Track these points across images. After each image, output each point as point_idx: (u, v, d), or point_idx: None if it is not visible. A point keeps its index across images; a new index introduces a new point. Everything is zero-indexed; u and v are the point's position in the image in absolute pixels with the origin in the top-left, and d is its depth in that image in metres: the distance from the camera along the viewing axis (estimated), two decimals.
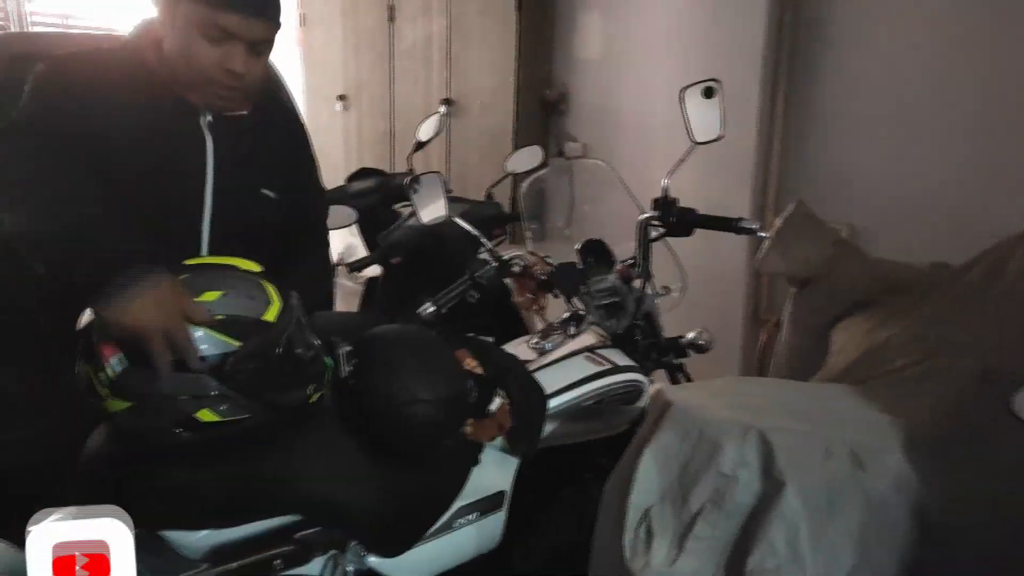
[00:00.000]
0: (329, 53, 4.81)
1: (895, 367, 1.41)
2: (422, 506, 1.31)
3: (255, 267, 1.10)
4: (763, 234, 1.72)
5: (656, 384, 1.63)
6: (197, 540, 1.11)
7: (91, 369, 1.01)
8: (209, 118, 1.21)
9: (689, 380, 1.79)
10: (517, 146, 3.05)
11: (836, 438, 1.18)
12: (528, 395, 1.42)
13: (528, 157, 2.54)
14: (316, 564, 1.21)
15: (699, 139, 1.65)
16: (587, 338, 1.67)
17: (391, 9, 4.22)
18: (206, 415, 1.02)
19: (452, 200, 1.85)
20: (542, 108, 3.59)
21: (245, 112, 1.25)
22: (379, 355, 1.25)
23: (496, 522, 1.42)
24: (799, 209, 1.82)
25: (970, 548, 1.09)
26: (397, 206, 2.86)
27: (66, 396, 1.06)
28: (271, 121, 1.32)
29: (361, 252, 2.81)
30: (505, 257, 1.76)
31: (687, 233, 1.68)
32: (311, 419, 1.17)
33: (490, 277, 1.72)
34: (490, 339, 1.62)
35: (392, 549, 1.28)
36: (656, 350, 1.75)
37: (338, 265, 3.41)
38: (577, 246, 1.80)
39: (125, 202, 1.09)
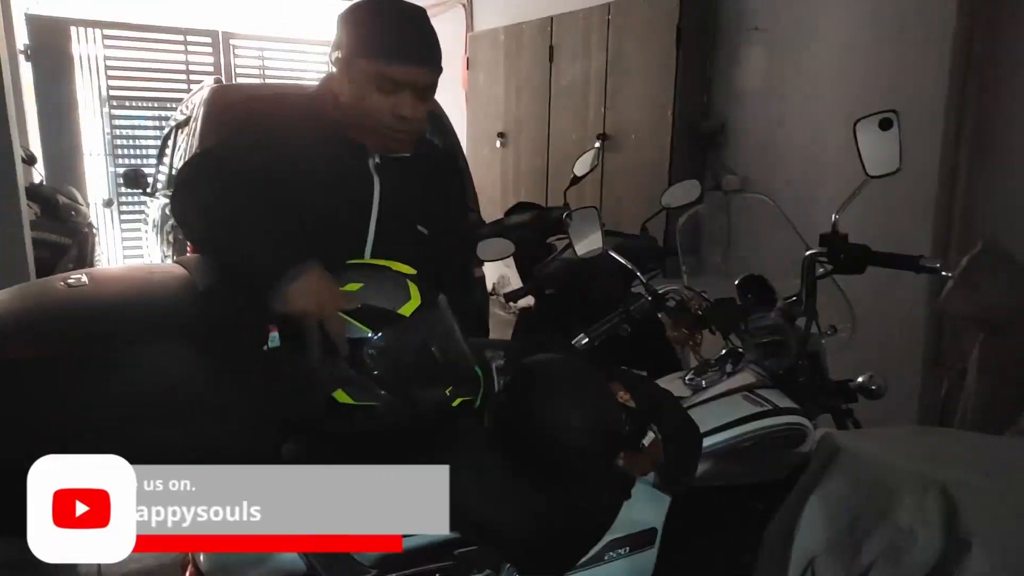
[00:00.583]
0: (491, 93, 5.07)
1: None
2: (575, 534, 1.32)
3: (408, 270, 1.19)
4: (947, 273, 1.60)
5: (822, 429, 1.54)
6: None
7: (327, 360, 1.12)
8: (377, 159, 1.34)
9: (858, 427, 1.68)
10: (672, 179, 3.03)
11: None
12: (682, 431, 1.39)
13: (685, 191, 2.52)
14: None
15: (874, 173, 1.57)
16: (745, 377, 1.61)
17: (551, 50, 4.38)
18: (342, 395, 1.11)
19: (607, 234, 1.87)
20: (699, 140, 3.55)
21: (408, 154, 1.36)
22: (535, 379, 1.28)
23: (647, 559, 1.40)
24: (989, 246, 1.68)
25: None
26: (552, 239, 2.93)
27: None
28: (428, 161, 1.44)
29: (515, 283, 2.89)
30: (660, 291, 1.75)
31: (860, 270, 1.59)
32: (470, 435, 1.22)
33: (644, 311, 1.72)
34: (643, 373, 1.61)
35: (545, 574, 1.30)
36: (822, 393, 1.66)
37: (492, 295, 3.54)
38: (736, 282, 1.75)
39: (299, 230, 1.21)
